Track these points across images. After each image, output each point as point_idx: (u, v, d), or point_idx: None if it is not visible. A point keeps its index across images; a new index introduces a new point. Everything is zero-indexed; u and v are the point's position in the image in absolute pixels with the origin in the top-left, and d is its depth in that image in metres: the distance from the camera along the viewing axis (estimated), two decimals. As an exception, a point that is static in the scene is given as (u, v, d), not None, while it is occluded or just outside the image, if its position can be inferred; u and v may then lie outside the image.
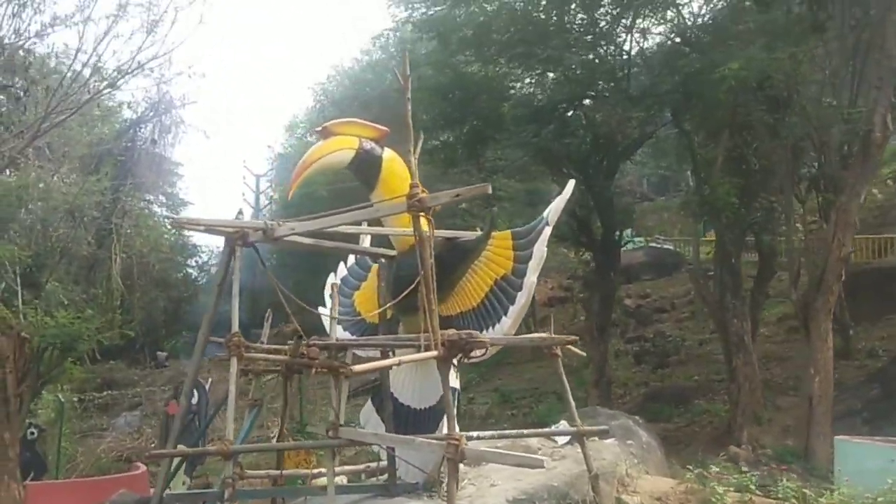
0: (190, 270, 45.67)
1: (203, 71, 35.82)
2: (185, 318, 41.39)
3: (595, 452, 8.41)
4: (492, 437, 8.20)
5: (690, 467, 8.33)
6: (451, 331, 6.82)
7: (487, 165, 19.95)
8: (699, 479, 8.13)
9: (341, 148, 8.92)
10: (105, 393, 25.66)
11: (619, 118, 14.97)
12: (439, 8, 18.04)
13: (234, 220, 8.67)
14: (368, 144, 8.99)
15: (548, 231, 7.60)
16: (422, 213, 6.78)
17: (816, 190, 14.81)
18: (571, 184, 7.94)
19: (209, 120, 68.95)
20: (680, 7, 15.88)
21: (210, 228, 8.52)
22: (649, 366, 22.90)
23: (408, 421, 9.17)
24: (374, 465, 10.57)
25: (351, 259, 11.56)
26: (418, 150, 6.95)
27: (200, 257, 47.85)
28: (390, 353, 8.92)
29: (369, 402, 10.27)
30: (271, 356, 8.54)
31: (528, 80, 18.11)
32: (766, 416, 15.14)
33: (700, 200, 15.91)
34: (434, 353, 6.65)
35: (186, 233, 44.54)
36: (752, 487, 7.51)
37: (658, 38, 16.86)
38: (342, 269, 11.50)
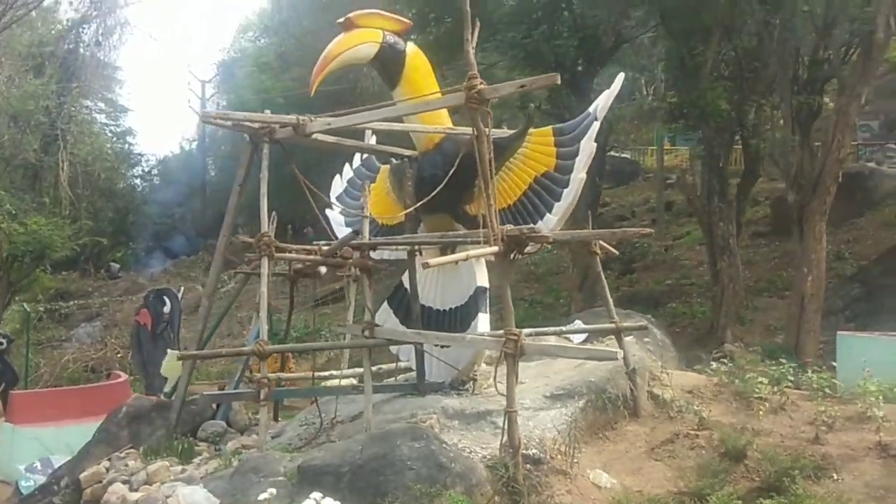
0: (135, 181, 44.58)
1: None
2: (130, 230, 40.55)
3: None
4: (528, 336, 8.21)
5: (723, 361, 8.48)
6: (510, 226, 6.70)
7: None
8: (728, 373, 8.29)
9: (365, 41, 8.58)
10: (71, 303, 25.03)
11: (617, 17, 14.69)
12: None
13: (262, 115, 8.30)
14: (392, 38, 8.67)
15: (596, 126, 7.45)
16: (481, 106, 6.56)
17: (793, 93, 14.89)
18: (620, 77, 7.76)
19: (155, 21, 65.99)
20: None
21: (237, 124, 8.15)
22: (614, 272, 23.25)
23: (429, 321, 9.10)
24: (384, 367, 10.57)
25: (356, 160, 11.29)
26: (475, 39, 6.68)
27: (143, 167, 46.69)
28: (419, 253, 8.84)
29: (385, 303, 10.17)
30: (304, 256, 8.33)
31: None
32: (748, 316, 15.58)
33: (677, 105, 15.90)
34: (494, 248, 6.53)
35: (130, 140, 43.24)
36: (790, 379, 7.68)
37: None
38: (347, 171, 11.25)
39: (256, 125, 8.06)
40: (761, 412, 7.55)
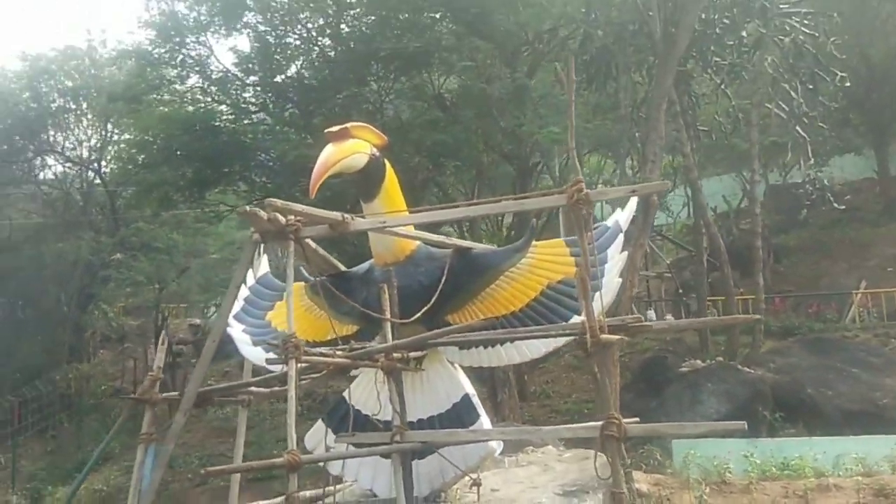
0: None
1: None
2: None
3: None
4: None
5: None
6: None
7: (208, 211, 19.38)
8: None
9: (359, 152, 8.67)
10: None
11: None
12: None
13: (297, 206, 7.84)
14: (376, 151, 8.85)
15: (621, 238, 8.26)
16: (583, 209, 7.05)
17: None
18: (634, 202, 8.64)
19: None
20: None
21: (273, 218, 7.45)
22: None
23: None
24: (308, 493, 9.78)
25: (250, 279, 10.64)
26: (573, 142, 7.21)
27: None
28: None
29: (320, 422, 9.55)
30: (329, 359, 7.73)
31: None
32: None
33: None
34: (595, 337, 6.90)
35: None
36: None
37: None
38: (244, 290, 10.52)
39: (284, 219, 7.55)
40: (734, 494, 8.69)
